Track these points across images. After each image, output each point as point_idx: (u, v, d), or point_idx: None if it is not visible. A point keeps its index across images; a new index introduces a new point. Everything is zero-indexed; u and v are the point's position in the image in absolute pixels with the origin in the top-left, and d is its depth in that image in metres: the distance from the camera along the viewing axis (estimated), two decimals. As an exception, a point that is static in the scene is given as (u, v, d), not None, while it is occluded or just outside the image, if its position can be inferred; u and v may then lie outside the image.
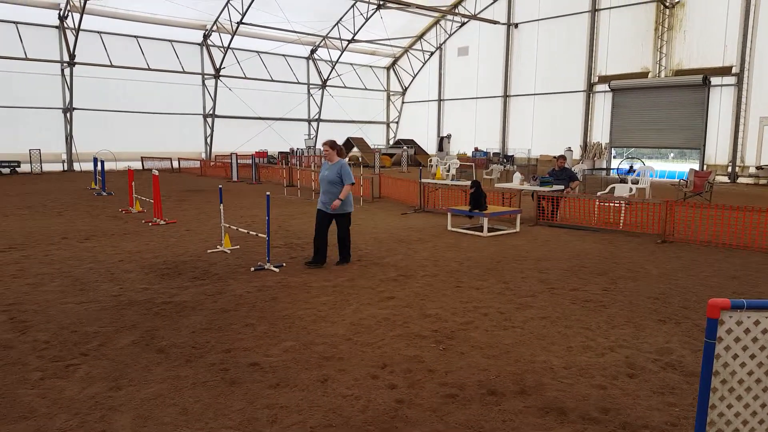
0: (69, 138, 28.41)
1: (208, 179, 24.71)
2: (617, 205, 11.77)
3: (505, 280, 7.45)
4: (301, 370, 4.47)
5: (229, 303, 6.26)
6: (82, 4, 25.51)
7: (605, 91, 30.34)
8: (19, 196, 17.23)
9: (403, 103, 43.10)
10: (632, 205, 11.54)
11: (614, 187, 14.02)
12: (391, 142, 41.21)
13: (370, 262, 8.39)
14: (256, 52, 34.50)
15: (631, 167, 21.71)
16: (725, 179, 25.82)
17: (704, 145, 26.98)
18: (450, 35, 38.65)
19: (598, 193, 13.29)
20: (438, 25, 38.70)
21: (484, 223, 10.94)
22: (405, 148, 34.73)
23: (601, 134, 30.90)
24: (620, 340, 5.21)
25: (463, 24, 37.57)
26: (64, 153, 28.54)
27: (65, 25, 27.28)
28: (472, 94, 37.64)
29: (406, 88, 42.60)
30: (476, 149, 35.73)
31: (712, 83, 26.38)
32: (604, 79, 30.40)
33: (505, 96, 35.52)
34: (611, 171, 25.25)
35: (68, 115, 28.16)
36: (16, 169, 26.24)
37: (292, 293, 6.69)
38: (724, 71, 25.98)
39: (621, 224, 11.41)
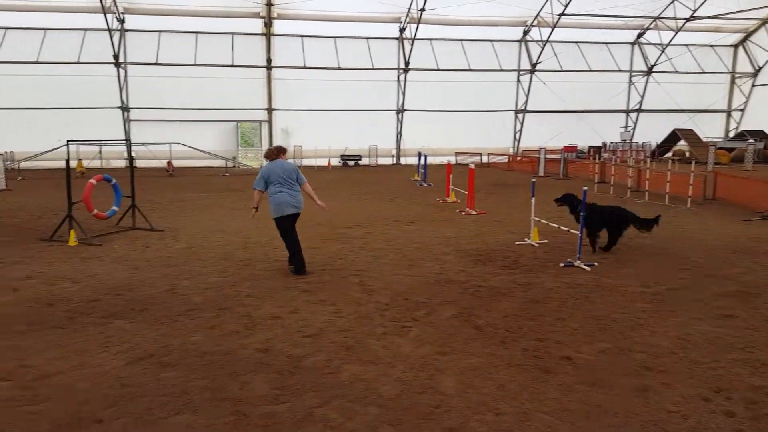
0: (399, 135, 32.68)
1: (514, 174, 25.29)
2: None
3: None
4: (619, 375, 4.25)
5: (539, 294, 6.33)
6: (418, 17, 28.93)
7: None
8: (360, 184, 20.69)
9: (753, 86, 35.87)
10: None
11: None
12: (732, 134, 34.92)
13: (702, 274, 7.35)
14: (575, 42, 33.44)
15: None
16: None
17: None
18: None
19: None
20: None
21: None
22: (751, 141, 28.92)
23: None
24: None
25: None
26: (394, 149, 32.97)
27: (403, 36, 31.37)
28: None
29: (760, 69, 35.25)
30: None
31: None
32: None
33: None
34: None
35: (400, 115, 32.38)
36: (359, 162, 31.58)
37: (605, 294, 6.36)
38: None
39: None
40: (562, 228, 8.93)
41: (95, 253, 8.65)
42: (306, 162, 30.50)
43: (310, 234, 10.15)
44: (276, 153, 7.35)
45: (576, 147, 31.18)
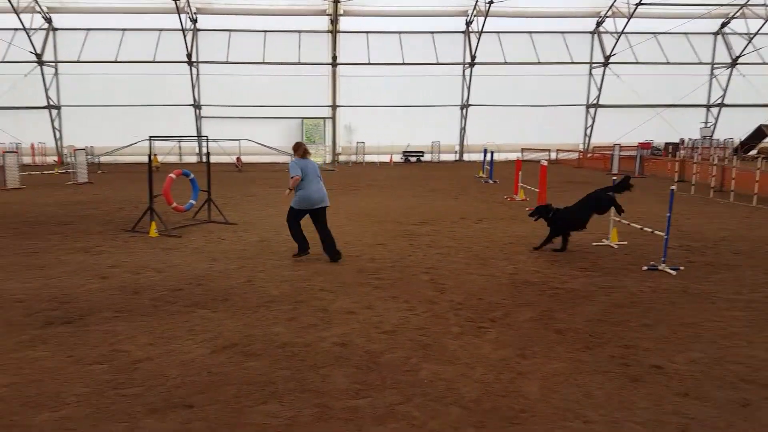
0: (462, 131, 32.29)
1: (585, 171, 24.42)
2: None
3: None
4: (714, 387, 3.98)
5: (622, 299, 6.05)
6: (486, 9, 28.43)
7: None
8: (424, 180, 20.57)
9: None
10: None
11: None
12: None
13: (799, 279, 6.81)
14: (653, 33, 31.77)
15: None
16: None
17: None
18: None
19: None
20: None
21: None
22: None
23: None
24: None
25: None
26: (457, 145, 32.59)
27: (469, 30, 30.93)
28: None
29: None
30: None
31: None
32: None
33: None
34: None
35: (464, 111, 31.97)
36: (421, 158, 31.44)
37: (694, 301, 6.00)
38: None
39: None
40: (645, 229, 8.49)
41: (175, 244, 9.03)
42: (368, 158, 30.71)
43: (377, 230, 10.19)
44: (305, 150, 7.98)
45: (651, 143, 29.68)
